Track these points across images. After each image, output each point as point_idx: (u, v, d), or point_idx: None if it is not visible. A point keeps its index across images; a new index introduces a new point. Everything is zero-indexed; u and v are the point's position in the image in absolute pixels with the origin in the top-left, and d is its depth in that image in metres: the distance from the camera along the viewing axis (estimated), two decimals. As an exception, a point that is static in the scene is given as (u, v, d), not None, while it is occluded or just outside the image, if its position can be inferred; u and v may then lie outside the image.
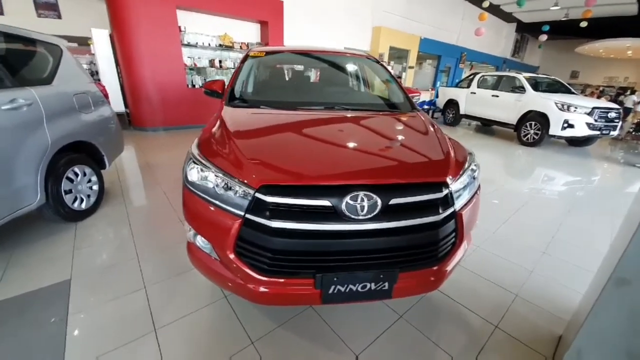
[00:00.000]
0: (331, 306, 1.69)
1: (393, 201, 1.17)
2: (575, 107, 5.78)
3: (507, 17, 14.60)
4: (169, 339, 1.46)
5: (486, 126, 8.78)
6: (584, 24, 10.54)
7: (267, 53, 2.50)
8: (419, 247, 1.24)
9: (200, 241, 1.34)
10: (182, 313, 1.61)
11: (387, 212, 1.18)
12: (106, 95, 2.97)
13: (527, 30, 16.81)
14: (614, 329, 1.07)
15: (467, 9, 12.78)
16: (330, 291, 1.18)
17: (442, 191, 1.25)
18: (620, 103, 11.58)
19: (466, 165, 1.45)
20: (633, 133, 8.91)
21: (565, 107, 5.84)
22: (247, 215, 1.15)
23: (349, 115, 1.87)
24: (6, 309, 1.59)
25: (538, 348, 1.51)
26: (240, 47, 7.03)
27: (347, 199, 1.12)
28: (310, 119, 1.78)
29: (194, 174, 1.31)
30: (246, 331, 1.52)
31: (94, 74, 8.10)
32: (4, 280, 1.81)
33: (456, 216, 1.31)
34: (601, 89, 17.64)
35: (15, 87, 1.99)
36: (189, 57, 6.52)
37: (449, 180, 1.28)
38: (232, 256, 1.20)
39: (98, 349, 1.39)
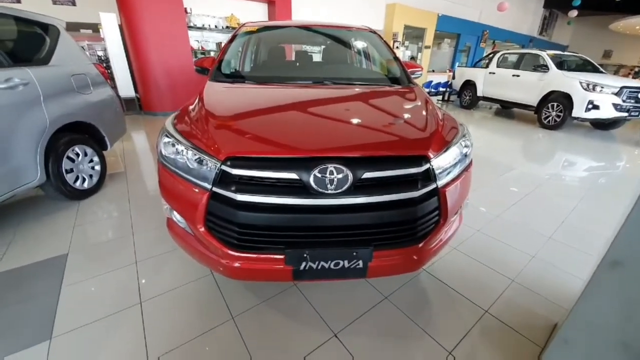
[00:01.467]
0: (315, 285, 1.67)
1: (366, 175, 1.10)
2: (602, 87, 5.32)
3: (535, -9, 13.49)
4: (153, 311, 1.49)
5: (506, 109, 8.31)
6: (621, -4, 9.56)
7: (260, 28, 2.41)
8: (395, 225, 1.18)
9: (176, 216, 1.34)
10: (168, 287, 1.65)
11: (360, 187, 1.12)
12: (106, 77, 3.00)
13: (556, 6, 15.48)
14: (605, 316, 0.98)
15: (491, -18, 11.88)
16: (302, 268, 1.15)
17: (421, 165, 1.17)
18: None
19: (454, 140, 1.34)
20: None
21: (591, 86, 5.39)
22: (214, 189, 1.12)
23: (333, 90, 1.78)
24: (4, 281, 1.68)
25: (530, 336, 1.43)
26: (247, 28, 6.91)
27: (315, 172, 1.07)
28: (290, 93, 1.71)
29: (166, 147, 1.29)
30: (228, 306, 1.53)
31: (109, 59, 8.23)
32: (7, 254, 1.90)
33: (439, 193, 1.23)
34: (637, 69, 16.16)
35: (10, 66, 2.03)
36: (196, 41, 6.49)
37: (430, 154, 1.19)
38: (202, 229, 1.18)
39: (85, 319, 1.44)
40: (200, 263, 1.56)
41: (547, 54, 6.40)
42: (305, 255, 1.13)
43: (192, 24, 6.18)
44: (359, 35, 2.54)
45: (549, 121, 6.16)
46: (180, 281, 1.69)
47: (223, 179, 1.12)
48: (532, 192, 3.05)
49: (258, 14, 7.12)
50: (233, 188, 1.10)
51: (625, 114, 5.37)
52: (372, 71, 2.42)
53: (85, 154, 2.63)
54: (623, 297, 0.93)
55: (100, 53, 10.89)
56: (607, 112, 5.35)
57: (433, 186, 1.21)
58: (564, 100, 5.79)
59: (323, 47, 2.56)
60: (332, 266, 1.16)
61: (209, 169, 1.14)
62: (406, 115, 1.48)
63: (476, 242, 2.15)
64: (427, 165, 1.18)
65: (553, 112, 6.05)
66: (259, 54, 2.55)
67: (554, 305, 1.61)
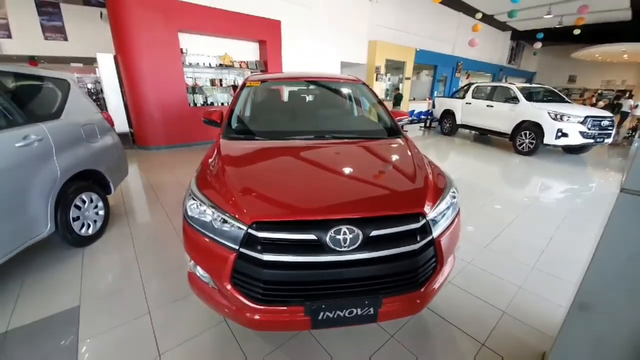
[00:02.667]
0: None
1: (373, 233, 1.28)
2: (569, 117, 5.89)
3: (502, 26, 14.88)
4: (172, 363, 1.55)
5: (483, 135, 8.90)
6: (577, 32, 10.73)
7: (264, 82, 2.66)
8: (399, 274, 1.34)
9: (199, 271, 1.45)
10: (185, 337, 1.71)
11: (369, 243, 1.28)
12: (111, 123, 3.13)
13: (522, 38, 17.07)
14: (579, 353, 1.15)
15: (462, 20, 13.05)
16: (320, 317, 1.28)
17: (419, 221, 1.36)
18: (619, 105, 11.66)
19: (444, 193, 1.55)
20: (629, 138, 8.96)
21: (559, 116, 5.95)
22: (242, 249, 1.26)
23: (337, 145, 2.00)
24: (18, 338, 1.70)
25: (522, 365, 1.58)
26: (240, 65, 7.27)
27: (331, 232, 1.23)
28: (298, 152, 1.90)
29: (193, 209, 1.43)
30: (245, 354, 1.61)
31: (99, 92, 8.33)
32: (16, 309, 1.92)
33: (435, 243, 1.41)
34: (599, 92, 17.73)
35: (27, 123, 2.15)
36: (190, 78, 6.76)
37: (426, 209, 1.39)
38: (228, 287, 1.30)
39: (105, 375, 1.48)
40: (221, 315, 1.65)
41: (516, 87, 7.04)
42: (323, 306, 1.26)
43: (187, 63, 6.47)
44: (354, 87, 2.83)
45: (523, 147, 6.66)
46: (196, 330, 1.76)
47: (249, 241, 1.26)
48: (514, 220, 3.31)
49: (250, 53, 7.52)
50: (259, 248, 1.24)
51: (592, 140, 5.92)
52: (368, 123, 2.67)
53: (91, 200, 2.70)
54: (592, 336, 1.11)
55: (90, 86, 11.02)
56: (575, 139, 5.88)
57: (430, 238, 1.39)
58: (535, 128, 6.32)
59: (323, 99, 2.83)
60: (346, 314, 1.30)
61: (235, 231, 1.28)
62: (403, 173, 1.68)
63: (468, 274, 2.33)
64: (423, 221, 1.37)
65: (526, 139, 6.56)
66: (266, 108, 2.78)
67: (541, 335, 1.78)
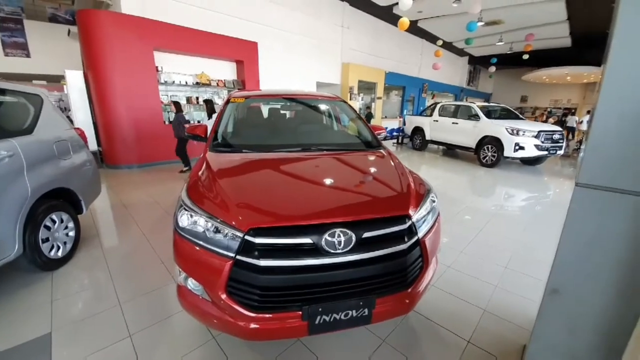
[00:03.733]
0: (318, 338, 1.78)
1: (365, 235, 1.35)
2: (524, 131, 6.51)
3: (460, 52, 16.36)
4: (160, 385, 1.47)
5: (450, 150, 9.50)
6: (526, 57, 12.05)
7: (246, 98, 2.73)
8: (390, 274, 1.41)
9: (191, 284, 1.43)
10: (172, 359, 1.63)
11: (361, 245, 1.35)
12: (85, 140, 3.01)
13: (478, 62, 18.83)
14: (556, 336, 1.27)
15: (425, 45, 14.21)
16: (317, 322, 1.31)
17: (405, 223, 1.46)
18: (564, 122, 13.06)
19: (426, 197, 1.68)
20: (578, 150, 10.00)
21: (515, 131, 6.56)
22: (238, 257, 1.27)
23: (323, 156, 2.09)
24: (-19, 372, 1.53)
25: (506, 358, 1.68)
26: (217, 84, 7.31)
27: (326, 235, 1.29)
28: (287, 162, 1.97)
29: (184, 220, 1.42)
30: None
31: (64, 110, 7.94)
32: (-24, 340, 1.73)
33: (420, 243, 1.51)
34: (549, 110, 19.72)
35: (-3, 139, 2.03)
36: (164, 95, 6.67)
37: (411, 212, 1.50)
38: (224, 296, 1.30)
39: (85, 404, 1.37)
40: (213, 329, 1.61)
41: (477, 106, 7.70)
42: (320, 309, 1.29)
43: (162, 81, 6.41)
44: (334, 104, 2.98)
45: (486, 160, 7.20)
46: (183, 350, 1.69)
47: (245, 248, 1.28)
48: (484, 227, 3.55)
49: (227, 72, 7.61)
50: (256, 254, 1.27)
51: (546, 152, 6.56)
52: (350, 136, 2.81)
53: (62, 221, 2.54)
54: (565, 318, 1.24)
55: (54, 104, 10.43)
56: (531, 151, 6.49)
57: (415, 238, 1.49)
58: (496, 143, 6.90)
59: (306, 114, 2.94)
60: (342, 317, 1.34)
61: (231, 239, 1.29)
62: (388, 181, 1.79)
63: (449, 277, 2.45)
64: (409, 222, 1.47)
65: (489, 152, 7.12)
66: (251, 123, 2.84)
67: (519, 329, 1.90)
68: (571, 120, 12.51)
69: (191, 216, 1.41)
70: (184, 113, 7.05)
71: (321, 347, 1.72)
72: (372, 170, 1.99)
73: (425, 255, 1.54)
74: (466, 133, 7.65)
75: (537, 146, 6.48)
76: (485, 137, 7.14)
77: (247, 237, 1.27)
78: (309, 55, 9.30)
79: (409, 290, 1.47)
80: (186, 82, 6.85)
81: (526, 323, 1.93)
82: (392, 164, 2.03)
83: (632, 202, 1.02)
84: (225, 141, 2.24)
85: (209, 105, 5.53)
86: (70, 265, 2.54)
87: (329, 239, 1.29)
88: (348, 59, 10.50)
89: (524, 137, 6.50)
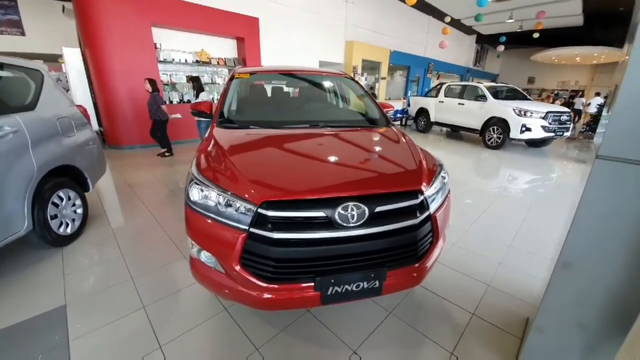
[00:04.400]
0: (328, 309, 1.82)
1: (378, 209, 1.35)
2: (531, 112, 6.39)
3: (468, 30, 15.77)
4: (176, 353, 1.52)
5: (455, 132, 9.38)
6: (536, 35, 11.63)
7: (252, 74, 2.65)
8: (402, 247, 1.42)
9: (204, 256, 1.44)
10: (186, 328, 1.68)
11: (374, 219, 1.35)
12: (87, 117, 2.97)
13: (486, 42, 18.21)
14: (565, 306, 1.29)
15: (432, 23, 13.68)
16: (329, 292, 1.33)
17: (418, 198, 1.45)
18: (572, 104, 12.79)
19: (437, 173, 1.66)
20: (585, 132, 9.86)
21: (522, 112, 6.44)
22: (251, 229, 1.28)
23: (332, 132, 2.06)
24: (5, 340, 1.58)
25: (510, 330, 1.73)
26: (217, 62, 7.12)
27: (339, 209, 1.29)
28: (298, 137, 1.94)
29: (196, 194, 1.41)
30: (249, 339, 1.62)
31: (64, 89, 7.75)
32: (-4, 310, 1.78)
33: (431, 218, 1.51)
34: (556, 92, 19.27)
35: (0, 114, 1.99)
36: (164, 74, 6.51)
37: (423, 187, 1.48)
38: (237, 267, 1.31)
39: (105, 370, 1.43)
40: (227, 299, 1.64)
41: (484, 86, 7.51)
42: (332, 280, 1.31)
43: (161, 59, 6.24)
44: (345, 81, 2.90)
45: (491, 142, 7.12)
46: (196, 320, 1.73)
47: (259, 220, 1.28)
48: (490, 206, 3.56)
49: (228, 50, 7.40)
50: (269, 227, 1.27)
51: (552, 134, 6.47)
52: (361, 113, 2.72)
53: (69, 198, 2.54)
54: (575, 290, 1.25)
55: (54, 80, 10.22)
56: (538, 133, 6.39)
57: (427, 213, 1.49)
58: (502, 124, 6.79)
59: (314, 91, 2.87)
60: (354, 288, 1.36)
61: (244, 212, 1.29)
62: (400, 157, 1.77)
63: (454, 254, 2.48)
64: (422, 197, 1.46)
65: (494, 134, 7.02)
66: (258, 99, 2.78)
67: (523, 303, 1.94)
68: (578, 103, 12.25)
69: (202, 190, 1.40)
70: (184, 93, 6.94)
71: (330, 318, 1.76)
72: (384, 146, 1.96)
73: (435, 230, 1.54)
74: (472, 114, 7.51)
75: (544, 127, 6.37)
76: (491, 118, 7.02)
77: (260, 210, 1.27)
78: (311, 33, 8.99)
79: (419, 264, 1.49)
80: (185, 60, 6.67)
81: (530, 297, 1.97)
82: (404, 140, 2.00)
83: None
84: (232, 117, 2.19)
85: (197, 82, 5.15)
86: (79, 242, 2.58)
87: (342, 212, 1.29)
88: (352, 36, 10.15)
89: (532, 118, 6.38)
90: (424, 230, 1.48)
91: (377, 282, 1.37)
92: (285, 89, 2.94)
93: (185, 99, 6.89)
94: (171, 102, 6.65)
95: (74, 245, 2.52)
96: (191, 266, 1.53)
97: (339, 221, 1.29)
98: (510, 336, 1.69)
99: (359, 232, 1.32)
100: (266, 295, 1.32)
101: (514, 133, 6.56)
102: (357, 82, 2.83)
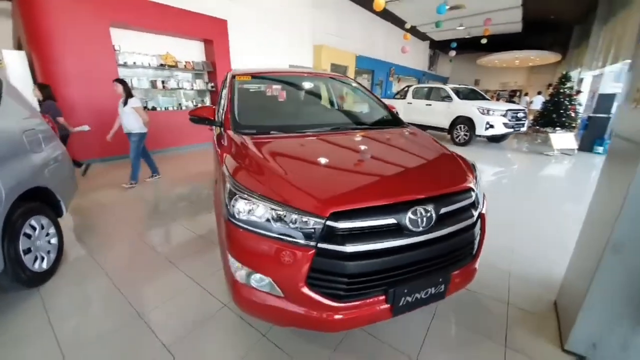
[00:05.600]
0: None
1: (443, 210, 1.30)
2: (494, 111, 6.96)
3: (423, 37, 16.85)
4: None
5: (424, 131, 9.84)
6: (484, 41, 12.77)
7: (256, 76, 2.47)
8: (463, 247, 1.40)
9: (255, 280, 1.27)
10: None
11: (439, 221, 1.30)
12: (55, 130, 2.53)
13: (438, 47, 19.61)
14: (614, 285, 1.36)
15: (391, 29, 14.36)
16: (400, 303, 1.25)
17: (472, 196, 1.44)
18: (514, 102, 14.25)
19: (476, 170, 1.68)
20: (533, 127, 10.98)
21: (486, 111, 6.99)
22: (319, 245, 1.15)
23: (363, 135, 1.99)
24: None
25: (543, 313, 1.80)
26: (185, 66, 6.66)
27: (409, 214, 1.22)
28: (334, 142, 1.83)
29: (244, 209, 1.24)
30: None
31: None
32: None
33: (481, 216, 1.51)
34: (498, 92, 21.37)
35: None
36: (126, 79, 5.89)
37: (472, 185, 1.48)
38: (304, 289, 1.17)
39: None
40: (284, 326, 1.45)
41: (449, 87, 8.02)
42: (405, 291, 1.23)
43: (121, 62, 5.65)
44: (346, 83, 2.84)
45: (459, 139, 7.61)
46: (235, 356, 1.53)
47: (327, 234, 1.16)
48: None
49: (195, 53, 6.96)
50: (341, 241, 1.15)
51: (512, 130, 7.11)
52: (373, 114, 2.60)
53: (42, 227, 2.13)
54: (625, 270, 1.32)
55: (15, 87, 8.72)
56: (500, 129, 6.98)
57: (479, 211, 1.48)
58: (468, 122, 7.30)
59: (322, 94, 2.76)
60: (422, 295, 1.29)
61: (309, 226, 1.16)
62: (440, 156, 1.75)
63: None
64: (474, 195, 1.46)
65: (462, 132, 7.52)
66: (270, 103, 2.58)
67: (543, 287, 2.04)
68: (522, 101, 13.69)
69: (251, 205, 1.23)
70: (147, 100, 6.34)
71: (378, 329, 1.67)
72: (418, 145, 1.93)
73: (483, 227, 1.55)
74: (440, 114, 7.96)
75: (505, 124, 6.98)
76: (458, 117, 7.51)
77: (329, 223, 1.15)
78: (280, 36, 8.85)
79: (474, 260, 1.48)
80: (149, 64, 6.12)
81: (549, 282, 2.08)
82: (431, 139, 2.00)
83: None
84: (247, 123, 1.99)
85: (125, 86, 4.21)
86: (58, 278, 2.16)
87: (412, 217, 1.22)
88: (319, 41, 10.21)
89: (494, 116, 6.95)
90: (477, 229, 1.47)
91: (443, 286, 1.33)
92: (299, 92, 2.78)
93: (150, 106, 6.32)
94: (134, 110, 6.04)
95: (53, 283, 2.10)
96: (234, 293, 1.34)
97: (409, 226, 1.22)
98: (547, 320, 1.75)
99: (428, 237, 1.26)
100: (337, 316, 1.20)
101: (479, 130, 7.08)
102: (360, 84, 2.80)
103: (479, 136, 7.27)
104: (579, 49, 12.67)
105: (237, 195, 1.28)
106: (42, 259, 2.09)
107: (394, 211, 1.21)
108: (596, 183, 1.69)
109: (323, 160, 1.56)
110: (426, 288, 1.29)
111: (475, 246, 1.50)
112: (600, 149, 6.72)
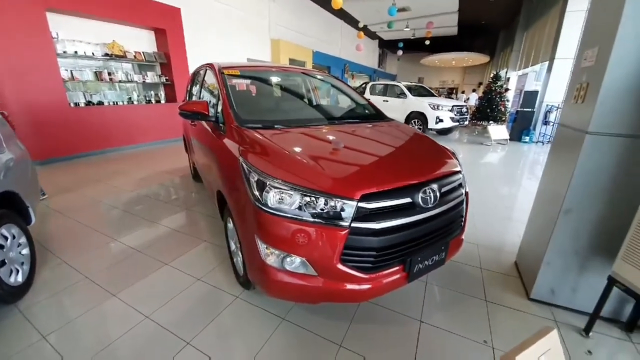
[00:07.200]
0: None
1: (443, 189, 1.56)
2: (442, 106, 7.76)
3: (373, 35, 17.68)
4: (261, 373, 1.40)
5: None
6: (427, 42, 13.94)
7: (246, 72, 2.48)
8: (457, 220, 1.69)
9: (289, 263, 1.37)
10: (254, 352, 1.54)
11: (441, 198, 1.55)
12: (13, 126, 2.23)
13: (386, 46, 20.75)
14: (564, 241, 1.76)
15: (344, 28, 14.81)
16: (414, 270, 1.47)
17: (460, 177, 1.73)
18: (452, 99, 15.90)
19: (457, 156, 1.98)
20: (471, 121, 12.40)
21: (436, 106, 7.76)
22: (353, 224, 1.30)
23: (364, 127, 2.21)
24: None
25: (507, 272, 2.21)
26: (135, 56, 6.11)
27: (421, 193, 1.44)
28: (340, 133, 2.00)
29: (277, 198, 1.33)
30: (329, 339, 1.60)
31: None
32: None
33: (466, 194, 1.82)
34: (438, 90, 23.54)
35: None
36: (65, 69, 5.22)
37: (460, 168, 1.77)
38: (339, 265, 1.31)
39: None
40: (317, 303, 1.57)
41: (403, 85, 8.68)
42: (418, 259, 1.46)
43: (61, 51, 4.99)
44: (333, 80, 2.98)
45: (414, 132, 8.32)
46: (258, 344, 1.61)
47: (358, 214, 1.31)
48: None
49: (145, 43, 6.42)
50: (370, 219, 1.32)
51: (457, 123, 8.01)
52: (362, 109, 2.83)
53: (13, 236, 1.90)
54: (573, 228, 1.71)
55: None
56: (448, 123, 7.82)
57: (466, 189, 1.79)
58: (421, 116, 8.02)
59: (313, 89, 2.86)
60: (429, 262, 1.54)
61: (342, 209, 1.30)
62: (430, 144, 2.03)
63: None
64: (461, 176, 1.75)
65: (415, 126, 8.24)
66: (266, 99, 2.57)
67: (503, 253, 2.49)
68: (461, 99, 15.32)
69: (284, 194, 1.34)
70: (92, 93, 5.72)
71: (385, 300, 1.89)
72: (409, 136, 2.17)
73: (467, 204, 1.85)
74: (396, 109, 8.57)
75: (452, 118, 7.84)
76: (412, 112, 8.19)
77: (360, 204, 1.31)
78: (237, 29, 8.58)
79: (462, 231, 1.78)
80: (92, 53, 5.49)
81: (498, 249, 2.53)
82: (419, 132, 2.27)
83: (624, 143, 1.49)
84: (249, 118, 2.02)
85: None
86: (36, 291, 1.95)
87: (423, 196, 1.44)
88: (276, 35, 10.13)
89: (443, 111, 7.76)
90: (464, 204, 1.77)
91: (444, 253, 1.59)
92: (290, 87, 2.83)
93: (95, 100, 5.70)
94: (77, 104, 5.41)
95: (32, 297, 1.89)
96: (265, 277, 1.43)
97: (421, 204, 1.44)
98: (512, 277, 2.16)
99: (435, 212, 1.50)
100: (365, 287, 1.37)
101: (431, 124, 7.85)
102: (344, 82, 2.97)
103: (431, 129, 8.05)
104: (504, 51, 14.61)
105: (269, 188, 1.36)
106: (17, 271, 1.88)
107: (409, 192, 1.42)
108: (545, 164, 2.12)
109: (339, 152, 1.72)
110: (432, 256, 1.53)
111: (464, 219, 1.80)
112: (527, 138, 7.95)
